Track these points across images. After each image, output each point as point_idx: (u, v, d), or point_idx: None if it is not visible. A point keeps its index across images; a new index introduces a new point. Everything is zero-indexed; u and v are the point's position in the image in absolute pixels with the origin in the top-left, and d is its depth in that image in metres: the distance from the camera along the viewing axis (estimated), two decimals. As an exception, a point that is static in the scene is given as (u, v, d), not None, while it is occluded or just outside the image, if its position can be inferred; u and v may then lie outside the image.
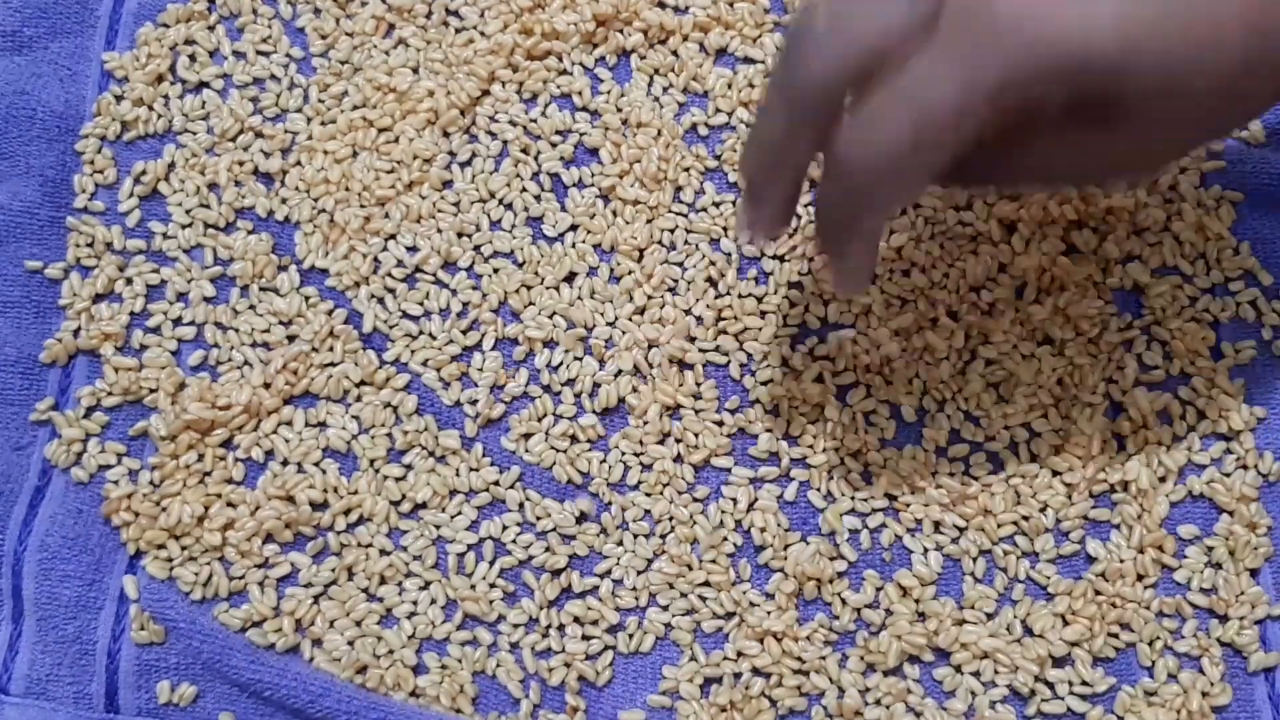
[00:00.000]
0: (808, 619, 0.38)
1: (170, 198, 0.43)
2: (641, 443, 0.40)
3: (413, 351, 0.41)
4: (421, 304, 0.41)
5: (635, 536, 0.39)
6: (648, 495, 0.39)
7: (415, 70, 0.44)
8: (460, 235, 0.42)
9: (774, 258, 0.41)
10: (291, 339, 0.41)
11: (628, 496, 0.39)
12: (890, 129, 0.28)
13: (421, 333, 0.41)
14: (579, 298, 0.41)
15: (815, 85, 0.29)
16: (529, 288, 0.41)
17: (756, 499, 0.39)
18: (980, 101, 0.28)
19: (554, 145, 0.43)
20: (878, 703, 0.37)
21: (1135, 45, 0.27)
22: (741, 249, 0.39)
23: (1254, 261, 0.41)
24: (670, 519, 0.39)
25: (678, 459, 0.40)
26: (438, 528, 0.39)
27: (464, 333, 0.41)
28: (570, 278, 0.41)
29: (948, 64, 0.28)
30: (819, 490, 0.39)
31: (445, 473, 0.39)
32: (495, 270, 0.41)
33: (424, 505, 0.39)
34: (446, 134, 0.43)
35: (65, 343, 0.41)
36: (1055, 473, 0.39)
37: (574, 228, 0.42)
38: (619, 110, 0.43)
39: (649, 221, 0.42)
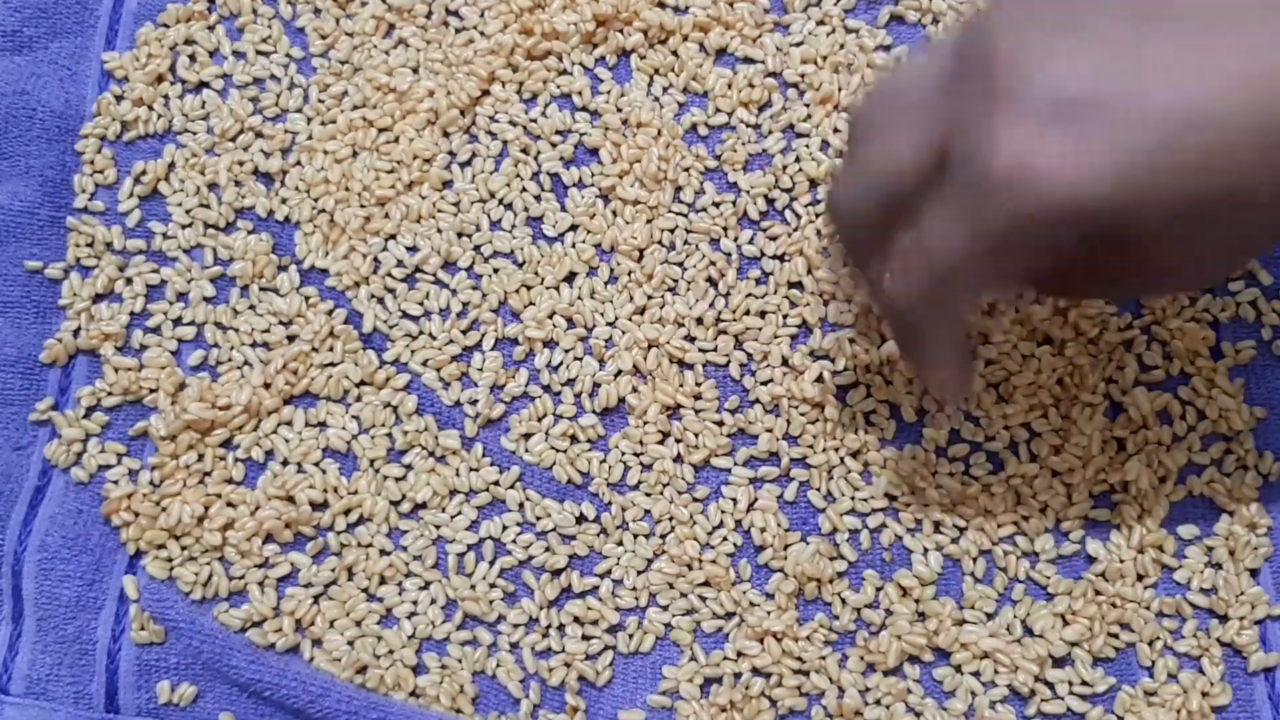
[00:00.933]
0: (808, 619, 0.38)
1: (170, 198, 0.43)
2: (641, 443, 0.40)
3: (413, 351, 0.41)
4: (421, 304, 0.41)
5: (635, 536, 0.39)
6: (648, 495, 0.39)
7: (415, 70, 0.44)
8: (460, 235, 0.42)
9: (774, 258, 0.41)
10: (291, 339, 0.41)
11: (628, 496, 0.39)
12: (912, 276, 0.30)
13: (421, 333, 0.41)
14: (579, 298, 0.41)
15: (845, 220, 0.33)
16: (529, 288, 0.41)
17: (756, 499, 0.39)
18: (987, 251, 0.28)
19: (554, 145, 0.43)
20: (878, 703, 0.37)
21: (1134, 191, 0.27)
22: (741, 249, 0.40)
23: (1254, 261, 0.41)
24: (670, 519, 0.39)
25: (678, 459, 0.40)
26: (438, 528, 0.39)
27: (464, 333, 0.41)
28: (570, 278, 0.41)
29: (953, 216, 0.29)
30: (819, 490, 0.39)
31: (445, 473, 0.39)
32: (495, 270, 0.41)
33: (424, 505, 0.39)
34: (446, 134, 0.43)
35: (65, 343, 0.41)
36: (1055, 473, 0.39)
37: (574, 228, 0.42)
38: (619, 110, 0.43)
39: (649, 221, 0.42)
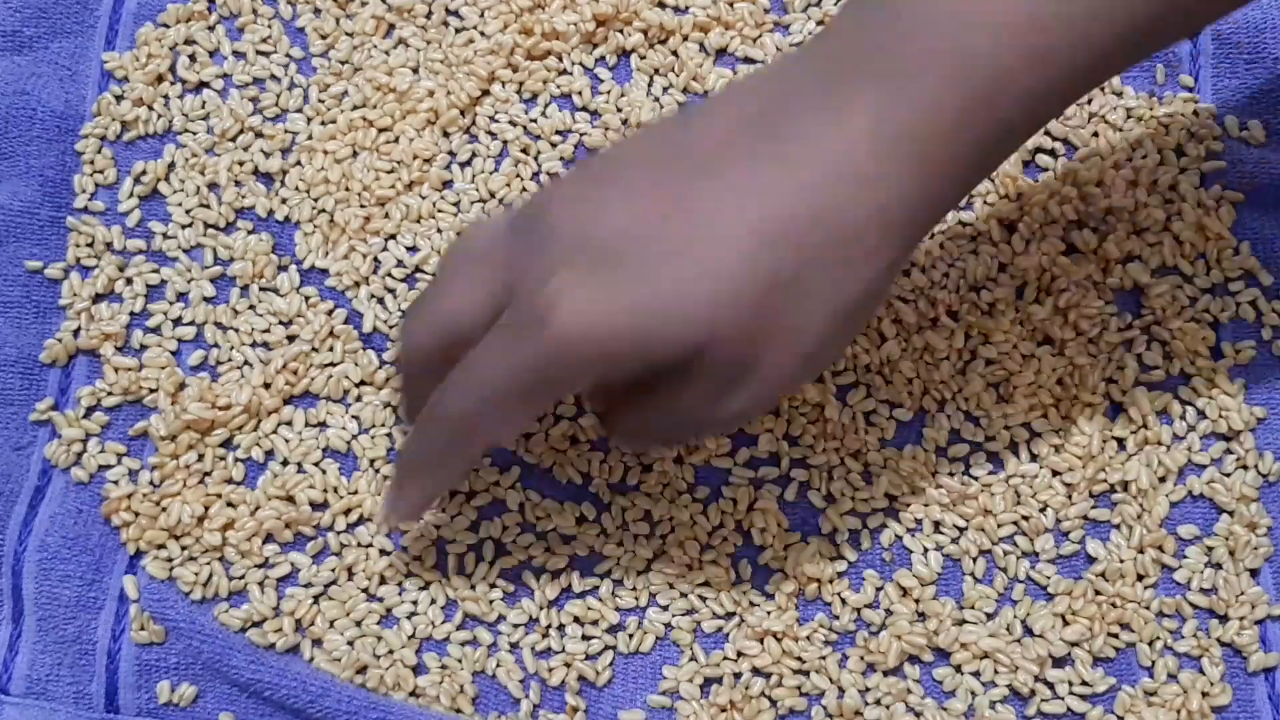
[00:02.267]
0: (808, 619, 0.38)
1: (170, 198, 0.43)
2: (641, 443, 0.40)
3: (413, 351, 0.41)
4: (421, 304, 0.41)
5: (635, 537, 0.39)
6: (648, 495, 0.39)
7: (415, 70, 0.44)
8: (460, 235, 0.42)
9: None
10: (291, 339, 0.41)
11: (628, 497, 0.39)
12: (454, 400, 0.32)
13: (421, 333, 0.41)
14: (579, 298, 0.41)
15: (408, 354, 0.34)
16: (529, 288, 0.41)
17: (756, 499, 0.39)
18: (526, 377, 0.30)
19: (554, 145, 0.43)
20: (878, 703, 0.37)
21: (649, 325, 0.29)
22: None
23: (1254, 261, 0.41)
24: (670, 519, 0.39)
25: (678, 459, 0.40)
26: (438, 528, 0.39)
27: (464, 333, 0.41)
28: (570, 278, 0.41)
29: (501, 344, 0.31)
30: (819, 490, 0.39)
31: (445, 473, 0.39)
32: (495, 270, 0.41)
33: (424, 505, 0.39)
34: (446, 134, 0.43)
35: (65, 343, 0.41)
36: (1055, 473, 0.39)
37: (574, 228, 0.42)
38: (619, 110, 0.43)
39: (649, 221, 0.42)
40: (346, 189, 0.42)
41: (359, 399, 0.40)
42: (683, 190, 0.30)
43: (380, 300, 0.41)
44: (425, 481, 0.35)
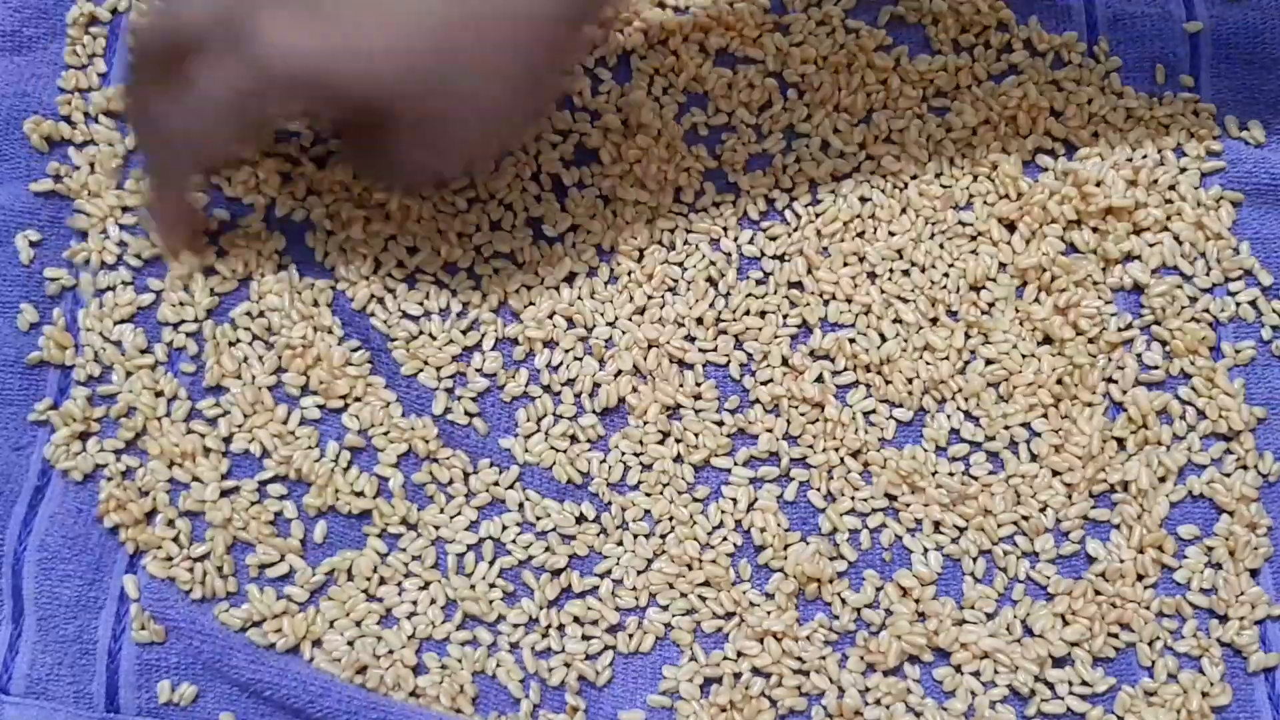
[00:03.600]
0: (808, 619, 0.38)
1: (170, 198, 0.43)
2: (641, 443, 0.40)
3: (413, 351, 0.41)
4: (421, 304, 0.41)
5: (635, 536, 0.39)
6: (648, 495, 0.39)
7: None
8: (460, 235, 0.42)
9: (774, 258, 0.41)
10: (290, 338, 0.41)
11: (628, 496, 0.39)
12: (177, 115, 0.36)
13: (421, 333, 0.41)
14: (579, 298, 0.41)
15: (139, 53, 0.37)
16: (529, 288, 0.41)
17: (756, 499, 0.39)
18: (241, 96, 0.35)
19: (554, 145, 0.43)
20: (878, 703, 0.37)
21: (343, 64, 0.34)
22: None
23: (1254, 261, 0.41)
24: (670, 519, 0.39)
25: (678, 459, 0.40)
26: (437, 528, 0.39)
27: (464, 333, 0.41)
28: (570, 278, 0.41)
29: (217, 60, 0.35)
30: (819, 490, 0.39)
31: (444, 473, 0.39)
32: (495, 270, 0.41)
33: (424, 505, 0.39)
34: (446, 134, 0.43)
35: (60, 342, 0.41)
36: (1055, 473, 0.39)
37: (574, 228, 0.42)
38: (619, 111, 0.43)
39: (649, 222, 0.42)
40: (347, 189, 0.42)
41: (359, 399, 0.40)
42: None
43: (380, 300, 0.41)
44: (165, 204, 0.40)
